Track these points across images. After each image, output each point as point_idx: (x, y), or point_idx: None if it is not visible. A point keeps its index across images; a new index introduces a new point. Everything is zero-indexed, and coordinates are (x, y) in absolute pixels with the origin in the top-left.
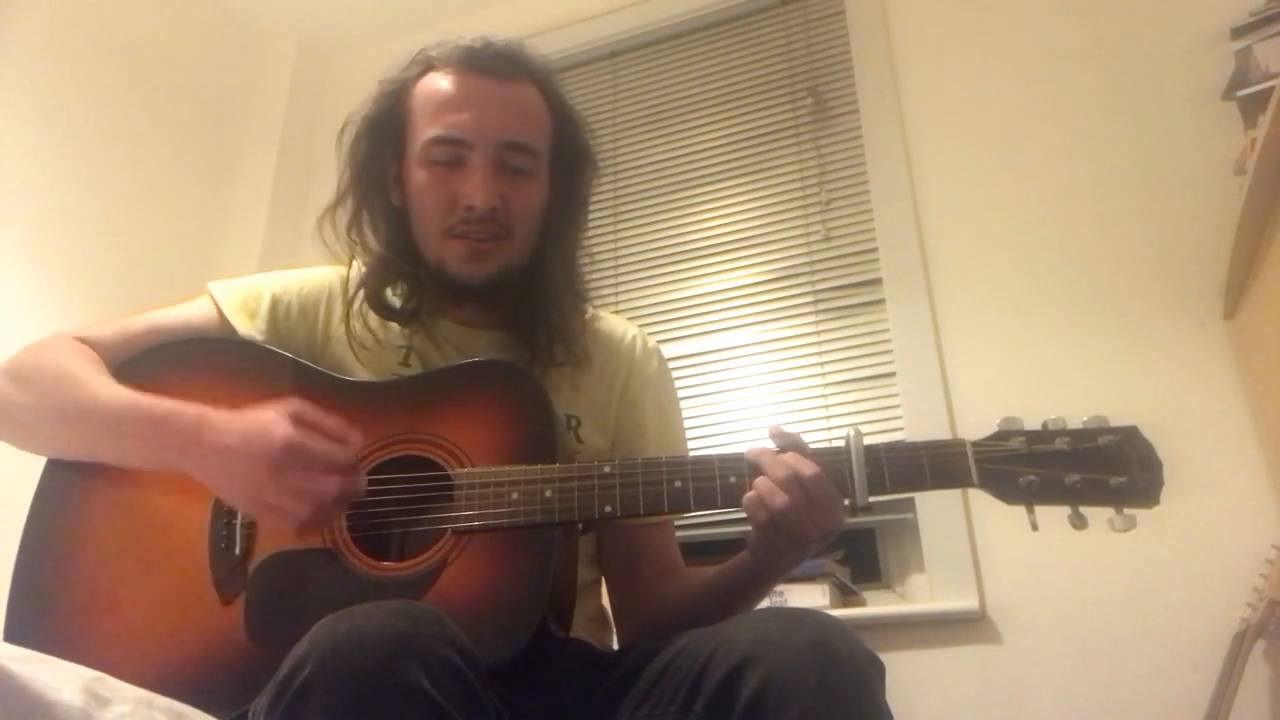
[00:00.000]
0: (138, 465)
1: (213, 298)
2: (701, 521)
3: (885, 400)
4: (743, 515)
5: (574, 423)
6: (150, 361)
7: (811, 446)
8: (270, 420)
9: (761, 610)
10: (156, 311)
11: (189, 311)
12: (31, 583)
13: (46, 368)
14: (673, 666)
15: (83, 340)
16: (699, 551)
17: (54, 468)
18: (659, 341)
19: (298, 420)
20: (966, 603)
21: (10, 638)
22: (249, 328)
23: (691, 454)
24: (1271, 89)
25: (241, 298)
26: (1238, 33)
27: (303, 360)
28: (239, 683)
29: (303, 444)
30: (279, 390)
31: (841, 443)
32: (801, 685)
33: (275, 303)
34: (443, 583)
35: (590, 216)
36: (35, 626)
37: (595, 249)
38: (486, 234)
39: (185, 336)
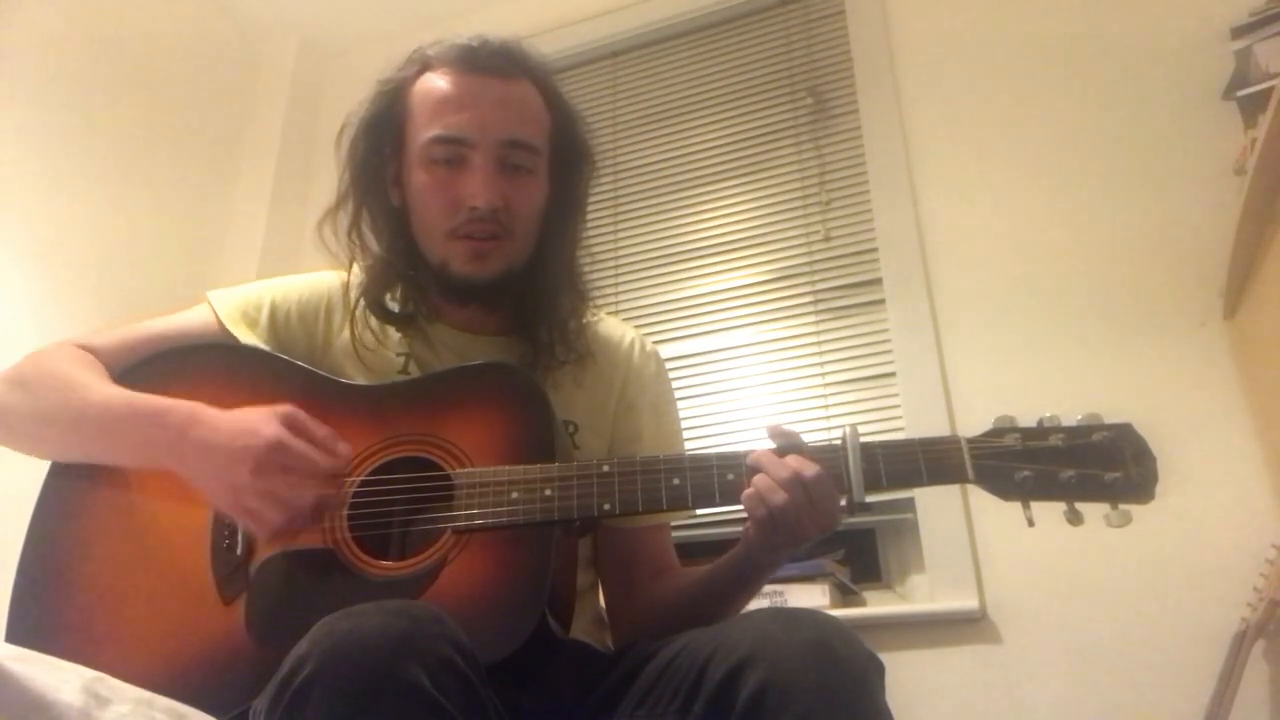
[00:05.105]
0: (128, 463)
1: (212, 307)
2: (700, 522)
3: (885, 400)
4: (742, 515)
5: (571, 429)
6: (152, 368)
7: (809, 444)
8: (259, 420)
9: (761, 610)
10: (156, 320)
11: (189, 320)
12: (34, 583)
13: (44, 373)
14: (672, 666)
15: (84, 348)
16: (697, 552)
17: (57, 470)
18: (659, 342)
19: (288, 423)
20: (966, 603)
21: (12, 638)
22: (250, 337)
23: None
24: (1271, 89)
25: (241, 307)
26: (1238, 33)
27: (305, 366)
28: (240, 682)
29: (287, 446)
30: (282, 395)
31: (838, 440)
32: (801, 685)
33: (275, 310)
34: (442, 581)
35: (590, 216)
36: (37, 627)
37: (595, 249)
38: (488, 234)
39: (187, 343)
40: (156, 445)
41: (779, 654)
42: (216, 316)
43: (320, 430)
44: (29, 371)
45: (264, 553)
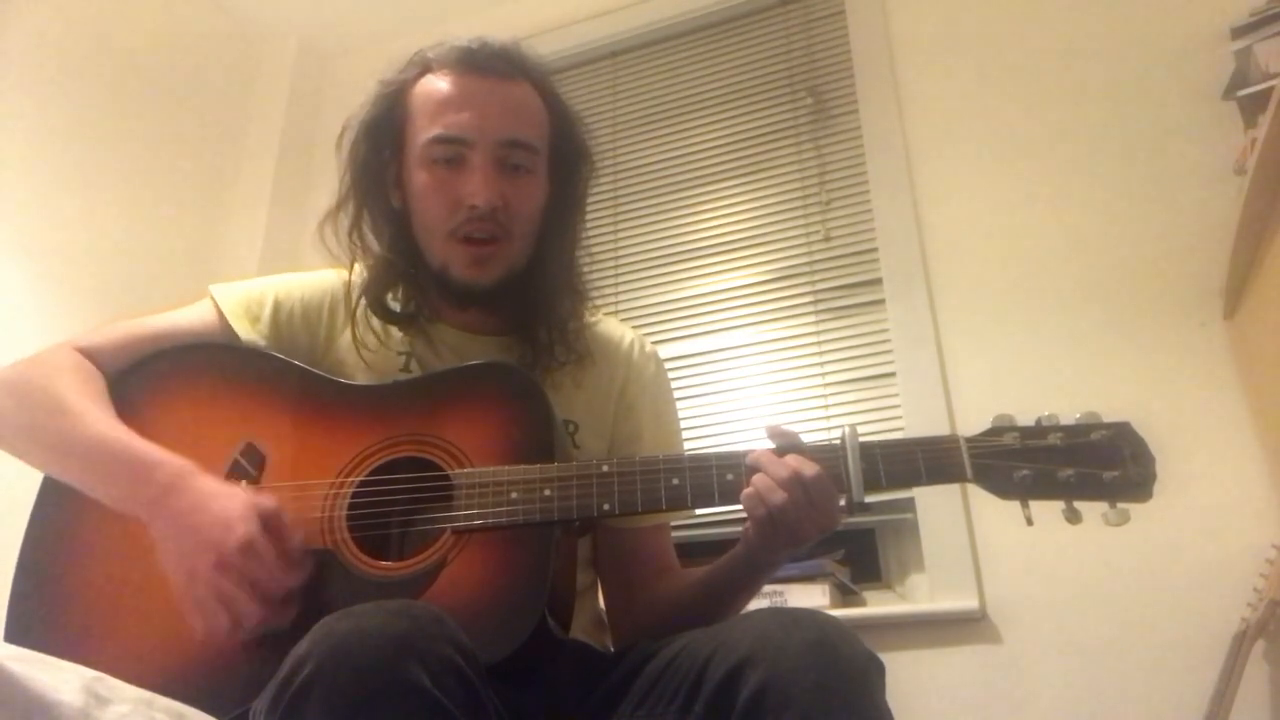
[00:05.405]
0: (107, 505)
1: (214, 301)
2: (700, 522)
3: (885, 400)
4: (742, 515)
5: (571, 428)
6: (151, 368)
7: (808, 444)
8: (238, 513)
9: (761, 610)
10: (157, 316)
11: (190, 316)
12: (33, 583)
13: (42, 387)
14: (672, 667)
15: (83, 349)
16: (697, 552)
17: None
18: (659, 342)
19: (266, 524)
20: (966, 603)
21: (11, 638)
22: (251, 332)
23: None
24: (1271, 89)
25: (244, 302)
26: (1238, 33)
27: (305, 366)
28: (240, 683)
29: (255, 555)
30: (280, 395)
31: (838, 440)
32: (801, 685)
33: (278, 307)
34: (442, 581)
35: (590, 216)
36: (36, 627)
37: (595, 249)
38: (487, 234)
39: (187, 342)
40: (135, 499)
41: (779, 654)
42: (219, 310)
43: (292, 540)
44: (25, 381)
45: None
